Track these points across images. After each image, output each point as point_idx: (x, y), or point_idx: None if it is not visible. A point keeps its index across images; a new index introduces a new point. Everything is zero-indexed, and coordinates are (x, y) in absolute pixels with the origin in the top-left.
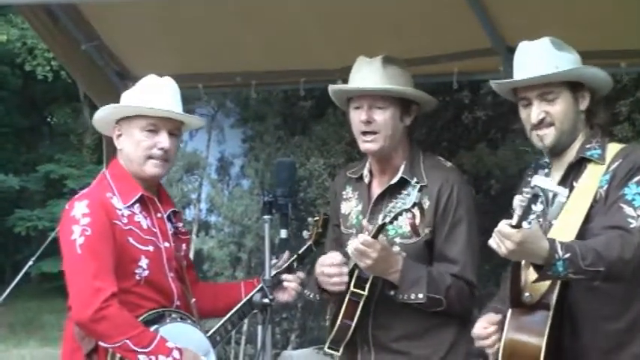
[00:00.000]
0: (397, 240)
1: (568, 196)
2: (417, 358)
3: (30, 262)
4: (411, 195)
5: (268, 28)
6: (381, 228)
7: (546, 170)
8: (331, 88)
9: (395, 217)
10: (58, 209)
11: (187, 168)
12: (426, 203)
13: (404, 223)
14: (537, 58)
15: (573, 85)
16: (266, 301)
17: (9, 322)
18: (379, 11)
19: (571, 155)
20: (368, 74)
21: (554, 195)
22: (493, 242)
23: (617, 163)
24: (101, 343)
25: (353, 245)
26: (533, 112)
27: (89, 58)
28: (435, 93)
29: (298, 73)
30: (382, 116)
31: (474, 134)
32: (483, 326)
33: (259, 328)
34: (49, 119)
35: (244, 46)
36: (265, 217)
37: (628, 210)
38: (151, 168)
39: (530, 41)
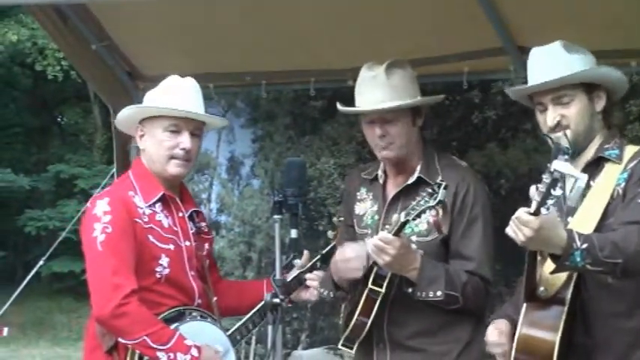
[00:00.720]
0: (413, 238)
1: (585, 195)
2: (433, 355)
3: (40, 262)
4: (438, 193)
5: (278, 28)
6: (403, 225)
7: (567, 156)
8: (341, 110)
9: (418, 215)
10: (69, 209)
11: (197, 168)
12: None
13: (421, 221)
14: (548, 63)
15: (588, 86)
16: (276, 300)
17: (19, 322)
18: (389, 11)
19: (589, 154)
20: (374, 91)
21: (575, 180)
22: (510, 230)
23: (635, 162)
24: (120, 340)
25: (372, 242)
26: (549, 117)
27: (99, 58)
28: (444, 92)
29: (308, 73)
30: (396, 128)
31: (484, 134)
32: (497, 334)
33: (270, 327)
34: (59, 119)
35: (254, 46)
36: (275, 216)
37: None
38: (173, 168)
39: (542, 46)
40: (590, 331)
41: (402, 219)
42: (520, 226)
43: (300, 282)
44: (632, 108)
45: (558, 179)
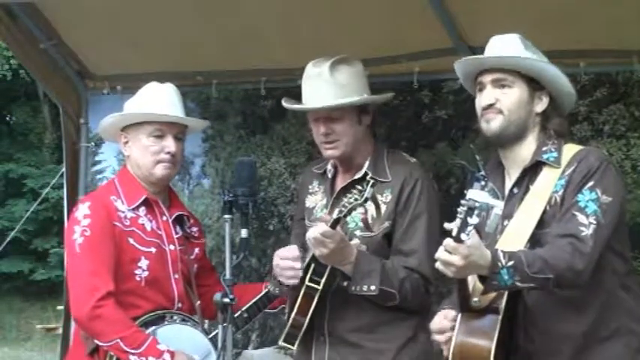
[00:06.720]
0: (357, 233)
1: (522, 199)
2: (370, 351)
3: None
4: (365, 190)
5: (229, 27)
6: (337, 222)
7: (482, 183)
8: (285, 106)
9: (349, 212)
10: (17, 209)
11: None
12: (388, 197)
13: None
14: (501, 48)
15: (531, 82)
16: (226, 300)
17: None
18: (340, 10)
19: (526, 158)
20: (318, 88)
21: (491, 207)
22: (441, 264)
23: (572, 168)
24: (96, 342)
25: (312, 234)
26: (484, 96)
27: (48, 56)
28: (395, 92)
29: (259, 72)
30: (341, 126)
31: (434, 133)
32: (440, 319)
33: (220, 327)
34: (8, 118)
35: (205, 45)
36: (226, 216)
37: (581, 218)
38: (160, 170)
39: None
40: (532, 336)
41: (335, 215)
42: (451, 256)
43: (254, 313)
44: (580, 108)
45: (474, 208)
